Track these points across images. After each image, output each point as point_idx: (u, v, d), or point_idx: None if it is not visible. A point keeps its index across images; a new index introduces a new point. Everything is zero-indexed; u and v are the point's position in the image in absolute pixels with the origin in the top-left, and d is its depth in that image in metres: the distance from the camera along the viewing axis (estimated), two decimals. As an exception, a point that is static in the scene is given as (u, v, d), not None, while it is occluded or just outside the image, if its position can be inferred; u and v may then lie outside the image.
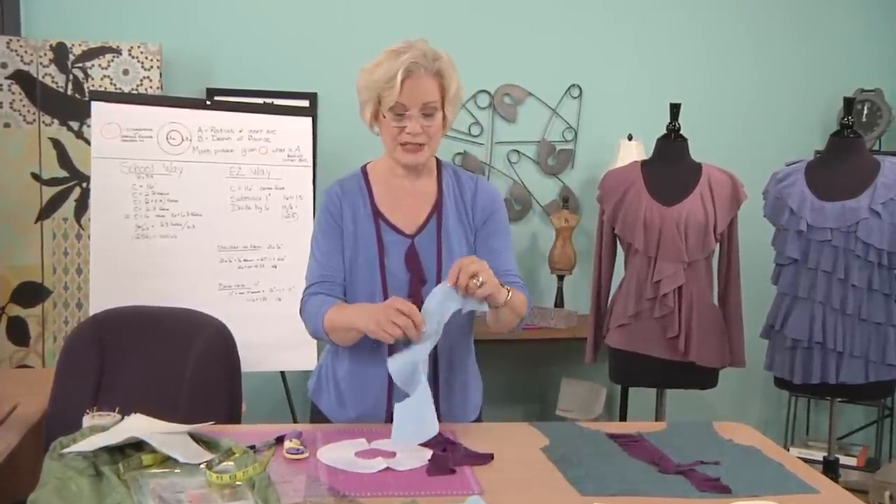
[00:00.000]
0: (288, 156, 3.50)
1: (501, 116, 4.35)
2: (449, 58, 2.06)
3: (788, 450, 4.10)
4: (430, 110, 2.03)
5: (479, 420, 2.27)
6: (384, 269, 2.10)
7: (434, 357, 2.12)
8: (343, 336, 2.07)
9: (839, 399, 3.35)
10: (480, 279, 1.91)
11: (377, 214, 2.13)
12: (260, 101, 3.84)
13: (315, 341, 3.47)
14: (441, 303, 1.94)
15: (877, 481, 3.43)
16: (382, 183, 2.17)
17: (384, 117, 2.05)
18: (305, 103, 3.89)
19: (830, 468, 3.38)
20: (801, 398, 4.51)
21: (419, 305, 2.03)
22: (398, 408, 1.92)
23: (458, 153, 4.31)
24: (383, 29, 4.19)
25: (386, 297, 2.07)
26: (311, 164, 3.54)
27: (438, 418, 1.98)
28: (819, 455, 3.79)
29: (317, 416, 2.23)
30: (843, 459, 4.07)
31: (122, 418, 1.98)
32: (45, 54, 3.65)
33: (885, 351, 3.07)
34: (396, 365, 1.94)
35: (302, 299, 2.16)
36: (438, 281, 2.07)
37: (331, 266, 2.12)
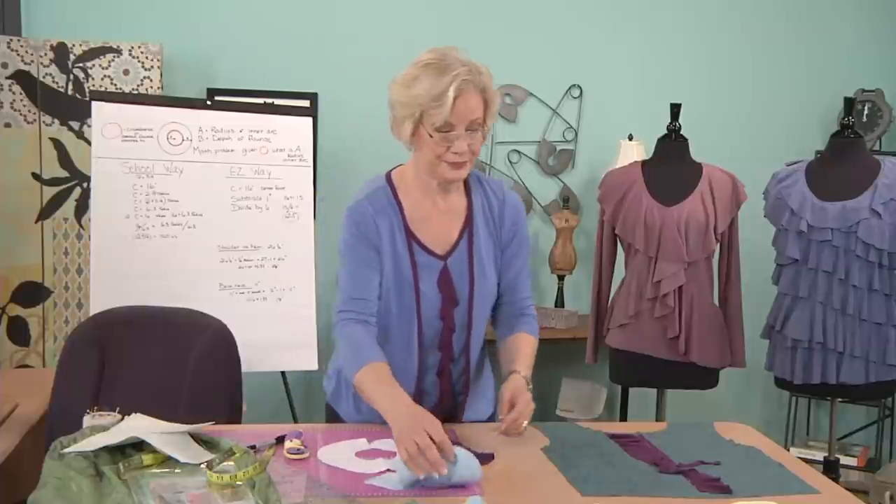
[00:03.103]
0: (288, 156, 3.50)
1: (502, 116, 4.34)
2: (488, 70, 1.98)
3: (789, 450, 4.10)
4: (475, 127, 1.95)
5: (493, 415, 2.27)
6: (419, 293, 2.04)
7: (466, 359, 2.13)
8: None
9: (840, 399, 3.35)
10: (525, 425, 1.93)
11: (410, 235, 2.05)
12: (260, 101, 3.84)
13: (315, 342, 3.49)
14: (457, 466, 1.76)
15: (877, 482, 3.43)
16: (411, 196, 2.08)
17: (430, 136, 1.94)
18: (306, 103, 3.89)
19: (831, 468, 3.39)
20: (802, 398, 4.50)
21: (451, 328, 2.06)
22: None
23: (459, 153, 4.31)
24: (384, 29, 4.19)
25: (420, 320, 2.05)
26: (311, 163, 3.54)
27: (459, 418, 2.07)
28: (819, 455, 3.79)
29: (334, 421, 2.21)
30: (844, 460, 4.07)
31: (123, 418, 1.98)
32: (46, 54, 3.65)
33: (885, 351, 3.07)
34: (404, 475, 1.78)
35: (334, 321, 2.08)
36: (470, 303, 2.06)
37: (362, 288, 2.04)
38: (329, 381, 2.27)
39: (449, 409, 2.15)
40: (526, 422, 1.93)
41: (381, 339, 2.07)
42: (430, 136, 1.93)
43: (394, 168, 2.15)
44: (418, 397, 2.07)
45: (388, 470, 1.83)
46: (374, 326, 2.05)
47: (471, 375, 2.16)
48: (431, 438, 1.72)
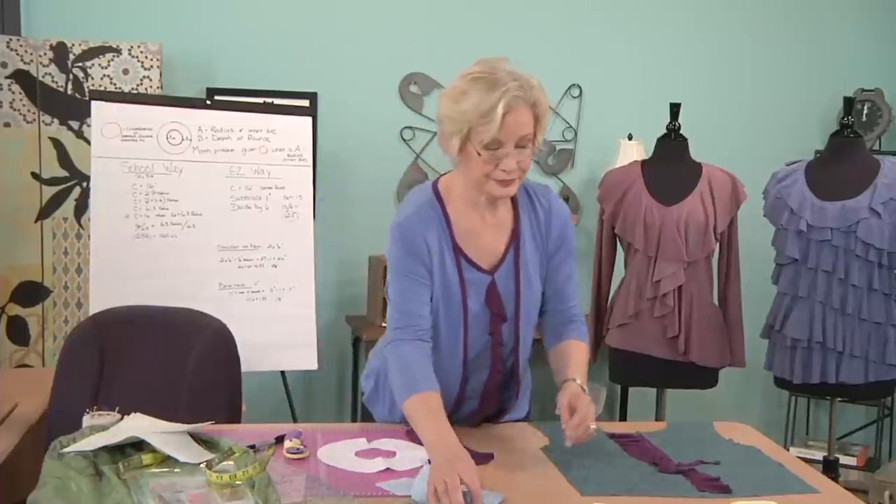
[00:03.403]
0: (288, 155, 3.49)
1: (501, 116, 4.34)
2: (539, 83, 1.91)
3: (788, 450, 4.10)
4: (525, 143, 1.87)
5: (529, 413, 2.27)
6: (466, 309, 2.00)
7: (514, 370, 2.12)
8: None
9: (839, 399, 3.35)
10: (593, 427, 1.87)
11: (457, 251, 2.00)
12: (260, 100, 3.84)
13: (315, 342, 3.49)
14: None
15: (877, 481, 3.43)
16: (458, 209, 2.01)
17: (478, 154, 1.86)
18: (305, 103, 3.89)
19: (830, 468, 3.39)
20: (801, 398, 4.51)
21: (500, 342, 2.04)
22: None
23: (458, 153, 4.31)
24: (383, 29, 4.19)
25: (466, 336, 2.02)
26: (311, 163, 3.54)
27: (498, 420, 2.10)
28: (819, 455, 3.80)
29: (368, 422, 2.20)
30: (843, 459, 4.07)
31: (122, 418, 1.98)
32: (45, 54, 3.65)
33: (884, 351, 3.07)
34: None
35: (388, 338, 2.02)
36: (517, 318, 2.03)
37: (414, 305, 1.98)
38: (367, 382, 2.24)
39: (491, 415, 2.15)
40: (593, 425, 1.87)
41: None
42: (479, 154, 1.86)
43: (441, 176, 2.08)
44: (458, 404, 2.08)
45: (389, 469, 1.83)
46: (427, 343, 1.99)
47: (520, 387, 2.15)
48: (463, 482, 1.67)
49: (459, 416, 2.09)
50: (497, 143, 1.84)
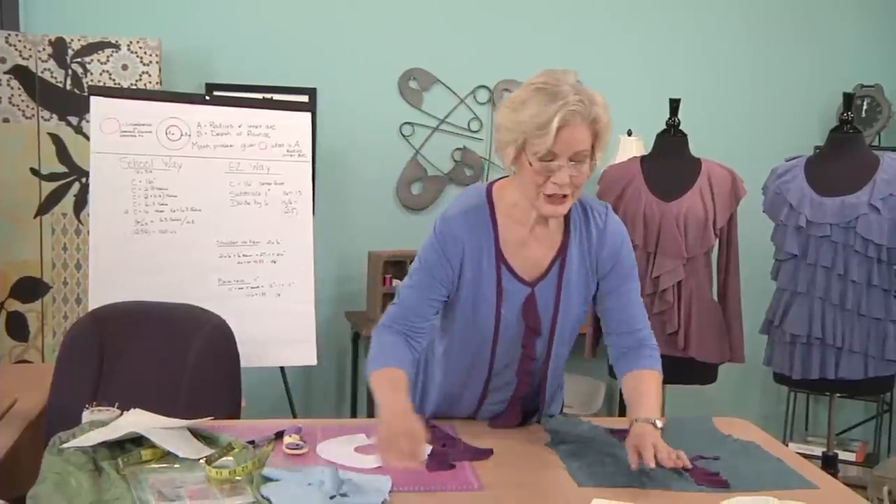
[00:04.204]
0: (287, 151, 3.49)
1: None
2: (603, 100, 1.87)
3: (787, 445, 4.10)
4: (580, 158, 1.83)
5: (562, 411, 2.28)
6: (499, 318, 1.98)
7: (542, 385, 2.11)
8: None
9: (838, 394, 3.35)
10: (677, 458, 1.80)
11: (500, 259, 1.97)
12: (259, 96, 3.84)
13: (314, 338, 3.49)
14: None
15: (875, 476, 3.43)
16: (509, 218, 1.97)
17: (529, 164, 1.83)
18: (305, 98, 3.89)
19: (829, 464, 3.39)
20: (801, 394, 4.51)
21: (532, 357, 2.03)
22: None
23: (458, 148, 4.31)
24: (383, 25, 4.19)
25: (496, 346, 2.01)
26: (310, 159, 3.54)
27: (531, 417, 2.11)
28: (818, 450, 3.80)
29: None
30: (842, 455, 4.08)
31: (122, 413, 1.98)
32: (44, 49, 3.65)
33: (884, 346, 3.07)
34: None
35: (376, 327, 2.01)
36: (552, 334, 2.02)
37: (423, 308, 1.97)
38: None
39: (512, 422, 2.14)
40: (676, 456, 1.80)
41: (447, 355, 2.06)
42: (531, 165, 1.83)
43: (497, 180, 2.04)
44: (477, 409, 2.11)
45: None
46: (417, 343, 1.98)
47: (545, 400, 2.14)
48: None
49: (482, 417, 2.13)
50: (551, 154, 1.81)
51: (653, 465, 1.76)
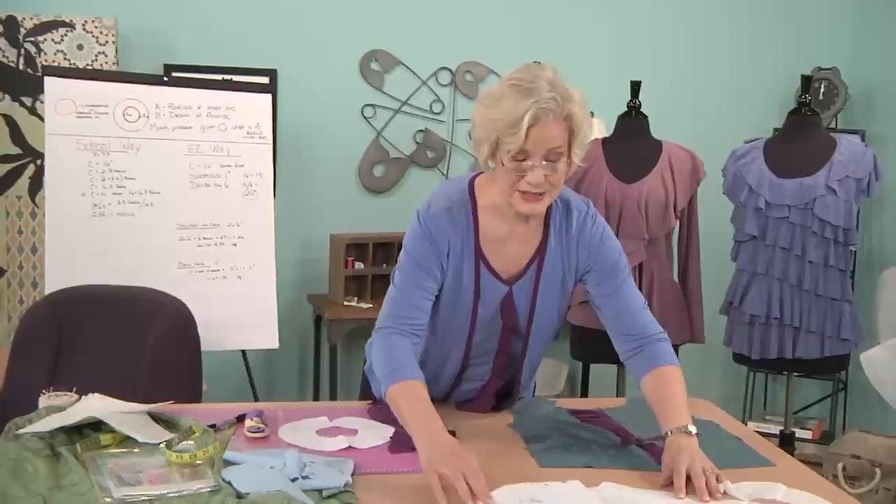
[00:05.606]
0: (247, 133, 3.46)
1: (463, 94, 4.33)
2: (581, 96, 1.82)
3: (746, 424, 4.16)
4: (555, 156, 1.78)
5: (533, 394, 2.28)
6: (475, 315, 1.97)
7: (517, 378, 2.10)
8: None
9: (796, 374, 3.40)
10: (722, 487, 1.66)
11: (480, 256, 1.94)
12: (219, 77, 3.79)
13: (276, 321, 3.47)
14: None
15: (830, 453, 3.49)
16: (489, 214, 1.94)
17: (502, 163, 1.79)
18: (265, 80, 3.85)
19: (787, 441, 3.44)
20: (759, 373, 4.58)
21: (507, 353, 2.02)
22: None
23: (420, 130, 4.30)
24: (344, 5, 4.15)
25: (471, 341, 1.99)
26: (270, 141, 3.51)
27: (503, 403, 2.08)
28: (776, 429, 3.85)
29: (367, 393, 2.07)
30: (799, 433, 4.15)
31: (79, 398, 1.96)
32: (-3, 28, 3.57)
33: (840, 326, 3.12)
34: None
35: (376, 331, 1.93)
36: (528, 331, 2.00)
37: (417, 302, 1.92)
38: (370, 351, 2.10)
39: (484, 409, 2.11)
40: (720, 483, 1.66)
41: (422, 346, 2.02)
42: (504, 164, 1.79)
43: (479, 174, 1.98)
44: (448, 395, 2.10)
45: (351, 447, 1.83)
46: (419, 339, 1.94)
47: (519, 390, 2.13)
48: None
49: (452, 402, 2.11)
50: (524, 153, 1.76)
51: (683, 495, 1.64)
